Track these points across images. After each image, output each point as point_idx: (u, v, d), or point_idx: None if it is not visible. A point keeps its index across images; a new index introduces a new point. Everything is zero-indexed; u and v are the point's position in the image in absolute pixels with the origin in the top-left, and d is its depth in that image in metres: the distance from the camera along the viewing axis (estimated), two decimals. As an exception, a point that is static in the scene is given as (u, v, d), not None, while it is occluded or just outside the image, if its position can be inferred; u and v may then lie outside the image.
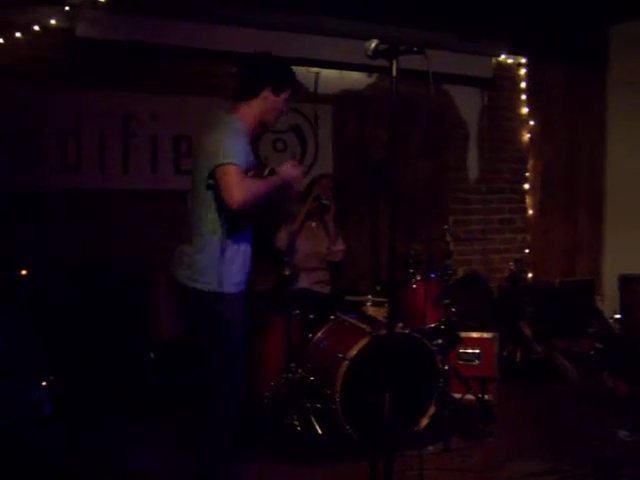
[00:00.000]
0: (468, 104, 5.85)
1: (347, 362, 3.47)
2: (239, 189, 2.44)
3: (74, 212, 4.40)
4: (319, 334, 3.93)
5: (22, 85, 4.25)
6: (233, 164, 2.47)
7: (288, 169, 2.72)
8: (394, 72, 2.15)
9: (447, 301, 3.93)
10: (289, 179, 2.70)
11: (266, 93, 2.72)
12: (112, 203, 4.53)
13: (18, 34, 4.24)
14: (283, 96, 2.76)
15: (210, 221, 2.60)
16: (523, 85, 6.05)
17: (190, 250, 2.65)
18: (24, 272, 3.93)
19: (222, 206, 2.54)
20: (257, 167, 2.77)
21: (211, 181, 2.55)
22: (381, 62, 2.25)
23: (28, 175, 4.31)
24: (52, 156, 4.40)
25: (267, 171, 2.75)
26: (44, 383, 3.75)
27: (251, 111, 2.73)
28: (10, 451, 3.23)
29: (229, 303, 2.64)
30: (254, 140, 3.02)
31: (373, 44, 2.19)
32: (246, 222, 2.69)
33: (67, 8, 4.29)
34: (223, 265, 2.61)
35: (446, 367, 3.84)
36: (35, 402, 3.60)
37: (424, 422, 3.66)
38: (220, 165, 2.49)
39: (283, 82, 2.76)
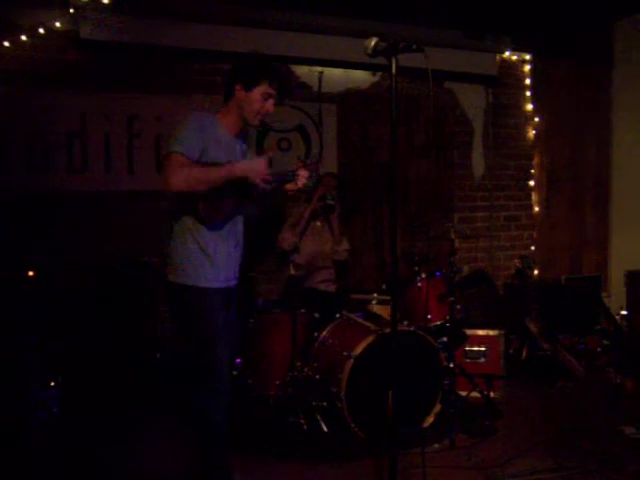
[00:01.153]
0: (473, 101, 5.84)
1: (352, 360, 3.48)
2: (175, 174, 2.47)
3: (80, 213, 4.43)
4: (324, 332, 3.94)
5: (27, 87, 4.29)
6: (175, 152, 2.51)
7: (250, 164, 2.66)
8: (394, 70, 2.15)
9: (452, 299, 3.92)
10: (248, 174, 2.60)
11: (237, 90, 2.70)
12: (118, 204, 4.56)
13: (23, 37, 4.28)
14: (257, 91, 2.69)
15: (176, 216, 2.64)
16: (528, 82, 6.04)
17: (166, 245, 2.69)
18: (31, 273, 3.96)
19: (182, 201, 2.58)
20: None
21: None
22: (384, 60, 2.24)
23: (34, 177, 4.34)
24: (58, 158, 4.43)
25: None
26: (52, 383, 3.78)
27: (231, 111, 2.75)
28: (17, 449, 3.26)
29: (203, 297, 2.64)
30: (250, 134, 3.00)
31: (372, 42, 2.19)
32: (217, 217, 2.66)
33: (71, 10, 4.33)
34: (194, 259, 2.63)
35: (452, 365, 3.84)
36: (43, 402, 3.63)
37: (430, 420, 3.66)
38: (164, 154, 2.56)
39: (252, 76, 2.69)
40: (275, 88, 2.73)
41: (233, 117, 2.76)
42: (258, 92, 2.70)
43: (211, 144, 2.62)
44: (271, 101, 2.74)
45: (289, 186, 2.87)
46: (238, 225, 2.81)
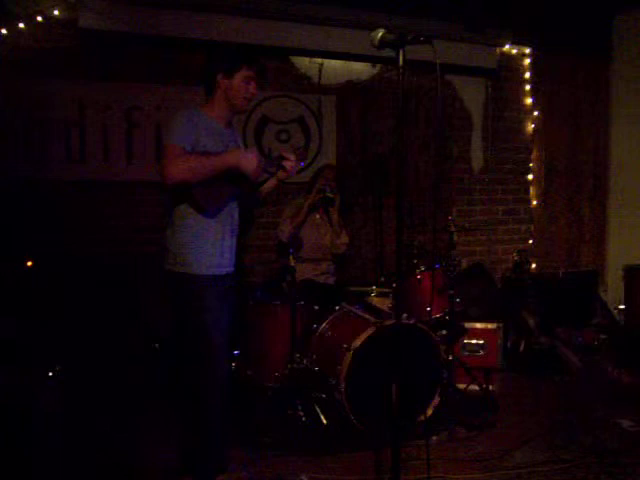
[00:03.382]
0: (472, 94, 5.83)
1: (351, 352, 3.48)
2: (171, 165, 2.53)
3: (79, 203, 4.41)
4: (324, 324, 3.93)
5: (25, 76, 4.25)
6: (172, 143, 2.58)
7: (242, 153, 2.71)
8: (401, 62, 2.14)
9: (451, 292, 3.92)
10: (241, 162, 2.65)
11: (220, 80, 2.76)
12: (116, 193, 4.54)
13: (21, 25, 4.24)
14: (239, 76, 2.76)
15: (173, 205, 2.70)
16: (527, 75, 6.03)
17: (165, 234, 2.75)
18: (29, 263, 3.94)
19: (178, 190, 2.62)
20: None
21: None
22: (385, 52, 2.24)
23: (33, 166, 4.32)
24: (56, 147, 4.41)
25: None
26: (50, 374, 3.77)
27: (217, 103, 2.80)
28: (17, 441, 3.25)
29: (200, 284, 2.69)
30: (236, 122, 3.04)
31: (379, 34, 2.17)
32: (212, 204, 2.70)
33: (70, -2, 4.29)
34: (191, 247, 2.68)
35: (450, 357, 3.85)
36: (42, 392, 3.62)
37: (428, 412, 3.66)
38: (162, 147, 2.64)
39: (230, 63, 2.77)
40: (254, 70, 2.80)
41: (221, 108, 2.81)
42: (240, 77, 2.77)
43: (202, 133, 2.68)
44: (253, 84, 2.81)
45: (280, 175, 2.96)
46: (234, 214, 2.85)
